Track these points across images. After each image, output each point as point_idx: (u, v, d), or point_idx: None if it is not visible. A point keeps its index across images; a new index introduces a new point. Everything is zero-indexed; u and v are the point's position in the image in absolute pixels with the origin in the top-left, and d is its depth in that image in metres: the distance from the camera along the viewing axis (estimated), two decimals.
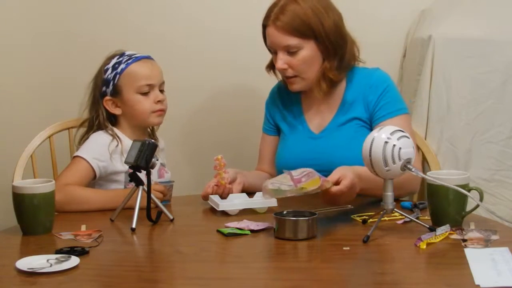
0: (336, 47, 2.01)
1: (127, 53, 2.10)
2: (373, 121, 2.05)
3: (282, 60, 2.00)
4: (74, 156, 2.04)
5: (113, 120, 2.12)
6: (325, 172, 2.05)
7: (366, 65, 2.14)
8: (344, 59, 2.03)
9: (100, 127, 2.09)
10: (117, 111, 2.09)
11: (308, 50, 1.99)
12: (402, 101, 2.07)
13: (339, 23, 2.02)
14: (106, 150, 2.03)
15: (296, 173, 1.64)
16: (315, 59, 2.01)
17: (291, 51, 1.99)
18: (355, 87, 2.08)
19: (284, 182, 1.62)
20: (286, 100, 2.19)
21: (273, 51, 2.04)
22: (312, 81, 2.04)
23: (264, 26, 2.04)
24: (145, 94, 2.06)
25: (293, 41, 1.97)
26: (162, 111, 2.09)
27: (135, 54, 2.10)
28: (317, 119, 2.12)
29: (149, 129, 2.19)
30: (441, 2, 2.45)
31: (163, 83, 2.11)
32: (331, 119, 2.09)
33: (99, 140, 2.06)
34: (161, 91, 2.10)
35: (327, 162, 1.99)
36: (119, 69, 2.06)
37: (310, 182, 1.62)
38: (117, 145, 2.05)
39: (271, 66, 2.12)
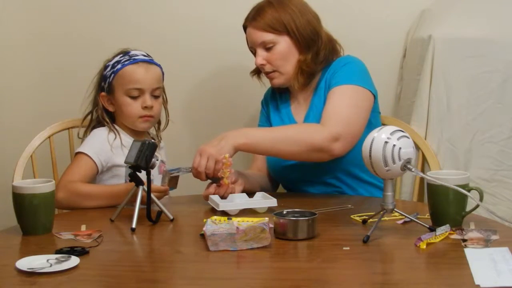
0: (308, 42, 2.13)
1: (131, 52, 2.10)
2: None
3: (260, 57, 2.14)
4: (77, 153, 2.06)
5: (113, 115, 2.13)
6: None
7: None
8: (319, 54, 2.14)
9: (99, 121, 2.11)
10: (110, 108, 2.12)
11: (282, 44, 2.12)
12: (361, 77, 2.11)
13: (313, 22, 2.15)
14: (107, 145, 2.05)
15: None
16: (290, 53, 2.13)
17: (267, 47, 2.12)
18: (326, 74, 2.16)
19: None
20: (278, 102, 2.28)
21: (254, 51, 2.17)
22: (290, 76, 2.15)
23: (245, 29, 2.19)
24: (134, 98, 2.06)
25: (268, 36, 2.10)
26: (149, 117, 2.08)
27: (136, 56, 2.09)
28: (300, 111, 2.21)
29: (155, 127, 2.20)
30: (441, 2, 2.45)
31: (157, 88, 2.08)
32: (308, 106, 2.18)
33: (100, 135, 2.08)
34: (156, 96, 2.08)
35: None
36: (115, 68, 2.07)
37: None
38: (115, 138, 2.06)
39: (255, 71, 2.26)
